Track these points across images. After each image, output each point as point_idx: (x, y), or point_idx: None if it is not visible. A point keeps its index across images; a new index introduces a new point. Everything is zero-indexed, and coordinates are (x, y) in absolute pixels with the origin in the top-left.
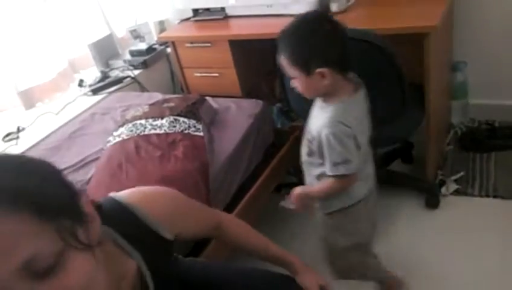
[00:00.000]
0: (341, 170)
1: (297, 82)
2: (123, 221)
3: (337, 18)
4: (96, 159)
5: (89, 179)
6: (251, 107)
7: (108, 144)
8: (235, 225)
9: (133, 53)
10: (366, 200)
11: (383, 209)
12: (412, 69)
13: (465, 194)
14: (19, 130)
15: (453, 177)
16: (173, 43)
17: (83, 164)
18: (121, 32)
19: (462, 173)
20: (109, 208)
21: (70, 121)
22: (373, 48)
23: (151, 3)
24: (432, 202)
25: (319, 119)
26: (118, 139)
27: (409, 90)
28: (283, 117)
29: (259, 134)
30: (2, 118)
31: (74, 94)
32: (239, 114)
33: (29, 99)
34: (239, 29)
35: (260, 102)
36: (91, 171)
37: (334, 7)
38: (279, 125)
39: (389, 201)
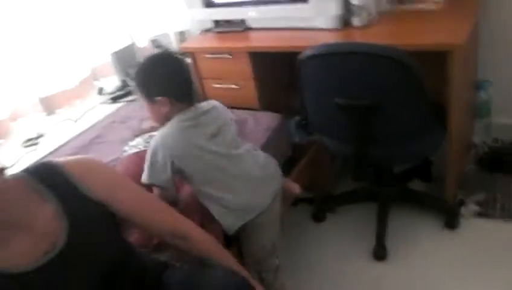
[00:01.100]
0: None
1: (146, 110)
2: (49, 175)
3: (358, 33)
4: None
5: None
6: (268, 120)
7: (124, 154)
8: (203, 240)
9: None
10: (245, 229)
11: (400, 228)
12: (434, 86)
13: (486, 216)
14: (38, 136)
15: (474, 198)
16: (192, 53)
17: None
18: (142, 41)
19: (483, 194)
20: (40, 166)
21: (89, 128)
22: (395, 64)
23: (172, 14)
24: (451, 223)
25: None
26: (134, 149)
27: (430, 108)
28: (301, 131)
29: (276, 147)
30: (23, 124)
31: (94, 102)
32: (256, 127)
33: (50, 105)
34: (259, 41)
35: (278, 115)
36: None
37: (355, 22)
38: (297, 139)
39: (407, 220)
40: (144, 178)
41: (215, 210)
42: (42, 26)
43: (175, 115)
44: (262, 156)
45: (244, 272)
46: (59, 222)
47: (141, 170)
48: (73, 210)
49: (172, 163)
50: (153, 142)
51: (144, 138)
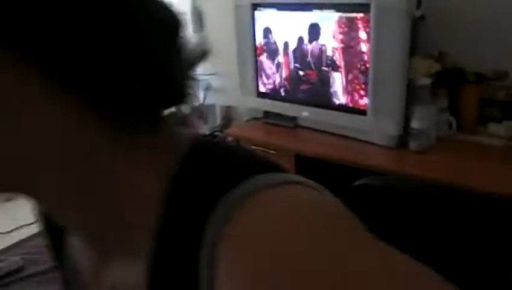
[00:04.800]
0: None
1: None
2: None
3: (414, 158)
4: None
5: None
6: None
7: None
8: None
9: None
10: None
11: None
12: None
13: None
14: None
15: None
16: (237, 140)
17: None
18: (185, 108)
19: None
20: None
21: None
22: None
23: (222, 88)
24: None
25: None
26: None
27: None
28: None
29: None
30: None
31: None
32: None
33: None
34: (309, 144)
35: None
36: None
37: (412, 145)
38: None
39: None
40: None
41: None
42: None
43: None
44: None
45: None
46: None
47: None
48: None
49: None
50: None
51: None
